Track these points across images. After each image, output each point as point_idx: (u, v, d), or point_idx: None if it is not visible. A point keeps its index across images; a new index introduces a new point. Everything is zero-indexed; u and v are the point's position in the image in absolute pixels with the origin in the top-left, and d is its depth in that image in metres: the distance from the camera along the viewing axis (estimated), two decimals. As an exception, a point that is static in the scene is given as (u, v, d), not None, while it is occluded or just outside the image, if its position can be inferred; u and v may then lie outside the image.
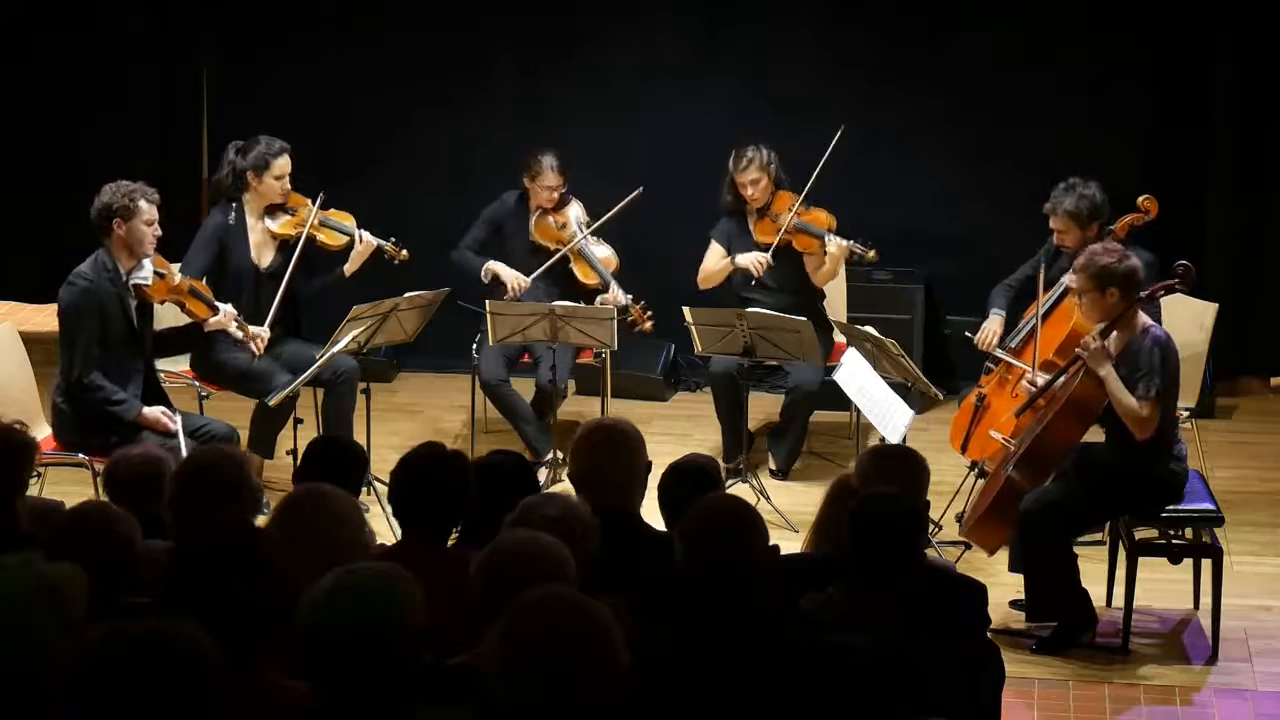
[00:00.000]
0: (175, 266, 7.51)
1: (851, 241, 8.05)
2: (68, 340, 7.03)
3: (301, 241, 7.78)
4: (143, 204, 7.03)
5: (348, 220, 7.96)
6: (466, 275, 8.39)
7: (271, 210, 7.88)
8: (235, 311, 7.47)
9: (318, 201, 7.87)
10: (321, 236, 7.88)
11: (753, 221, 8.33)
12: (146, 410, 7.04)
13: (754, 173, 8.19)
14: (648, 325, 8.22)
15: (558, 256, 8.30)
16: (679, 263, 8.77)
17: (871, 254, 8.06)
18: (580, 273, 8.37)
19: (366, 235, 7.90)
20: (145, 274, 7.13)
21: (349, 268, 7.93)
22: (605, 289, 8.33)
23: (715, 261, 8.38)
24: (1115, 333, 6.43)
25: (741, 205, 8.32)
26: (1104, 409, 6.52)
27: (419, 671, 3.42)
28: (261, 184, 7.81)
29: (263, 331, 7.57)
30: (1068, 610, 6.54)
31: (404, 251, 7.96)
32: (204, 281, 7.56)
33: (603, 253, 8.41)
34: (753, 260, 8.22)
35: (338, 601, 3.38)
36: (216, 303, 7.45)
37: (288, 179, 7.84)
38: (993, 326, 7.75)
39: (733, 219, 8.38)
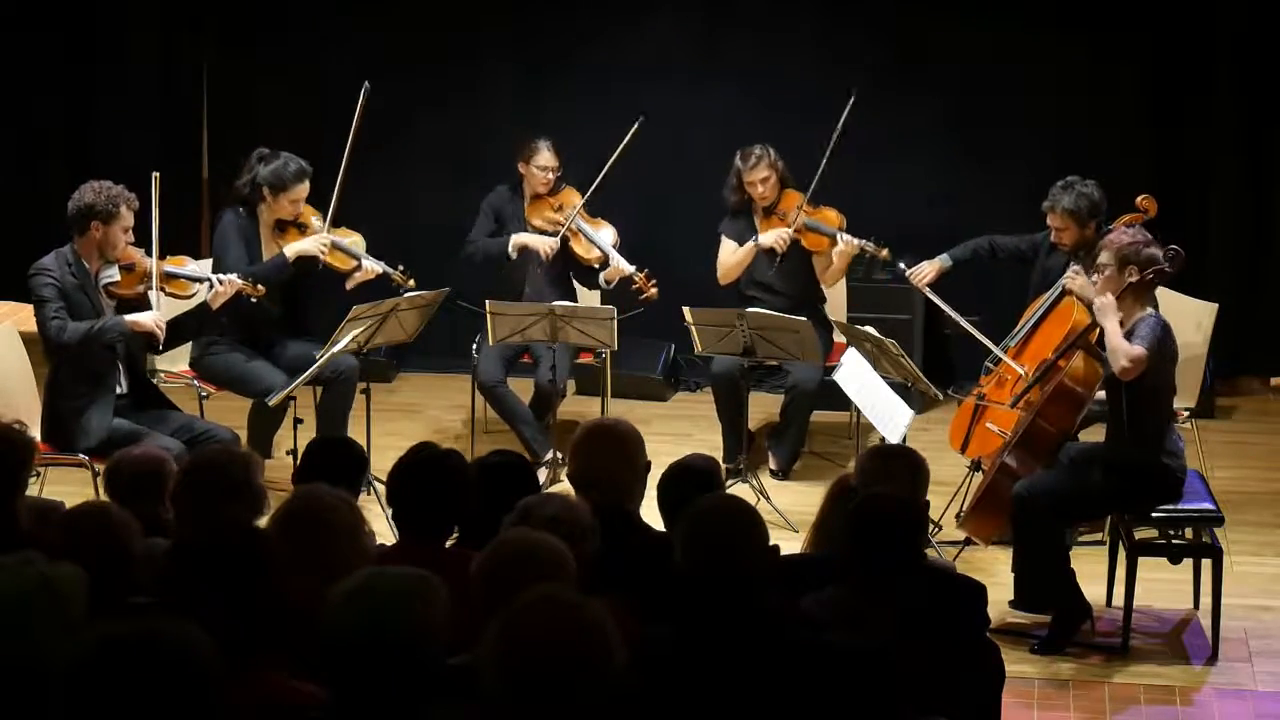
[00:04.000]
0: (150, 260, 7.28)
1: (863, 240, 8.09)
2: (42, 311, 6.97)
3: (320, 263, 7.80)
4: (123, 210, 6.98)
5: (358, 243, 7.93)
6: (490, 260, 8.37)
7: (282, 225, 7.84)
8: (237, 278, 7.38)
9: (327, 221, 7.83)
10: (330, 259, 7.86)
11: (759, 220, 8.34)
12: (129, 318, 6.97)
13: (763, 170, 8.20)
14: (652, 291, 8.18)
15: (558, 237, 8.30)
16: (679, 262, 8.77)
17: (884, 253, 8.11)
18: (579, 249, 8.37)
19: (370, 262, 7.88)
20: (112, 272, 7.10)
21: (348, 285, 7.93)
22: (606, 262, 8.33)
23: (733, 252, 8.38)
24: (1121, 311, 6.46)
25: (746, 204, 8.32)
26: (1099, 397, 6.55)
27: (431, 673, 3.43)
28: (275, 202, 7.76)
29: (231, 277, 7.41)
30: (1060, 600, 6.54)
31: (411, 280, 7.90)
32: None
33: (604, 231, 8.41)
34: (776, 237, 8.22)
35: (365, 604, 3.38)
36: (208, 274, 7.37)
37: (301, 202, 7.79)
38: (928, 267, 7.96)
39: (739, 218, 8.38)
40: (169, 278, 7.23)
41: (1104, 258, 6.55)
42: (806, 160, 8.26)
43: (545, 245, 8.29)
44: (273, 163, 7.75)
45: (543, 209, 8.42)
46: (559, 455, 7.95)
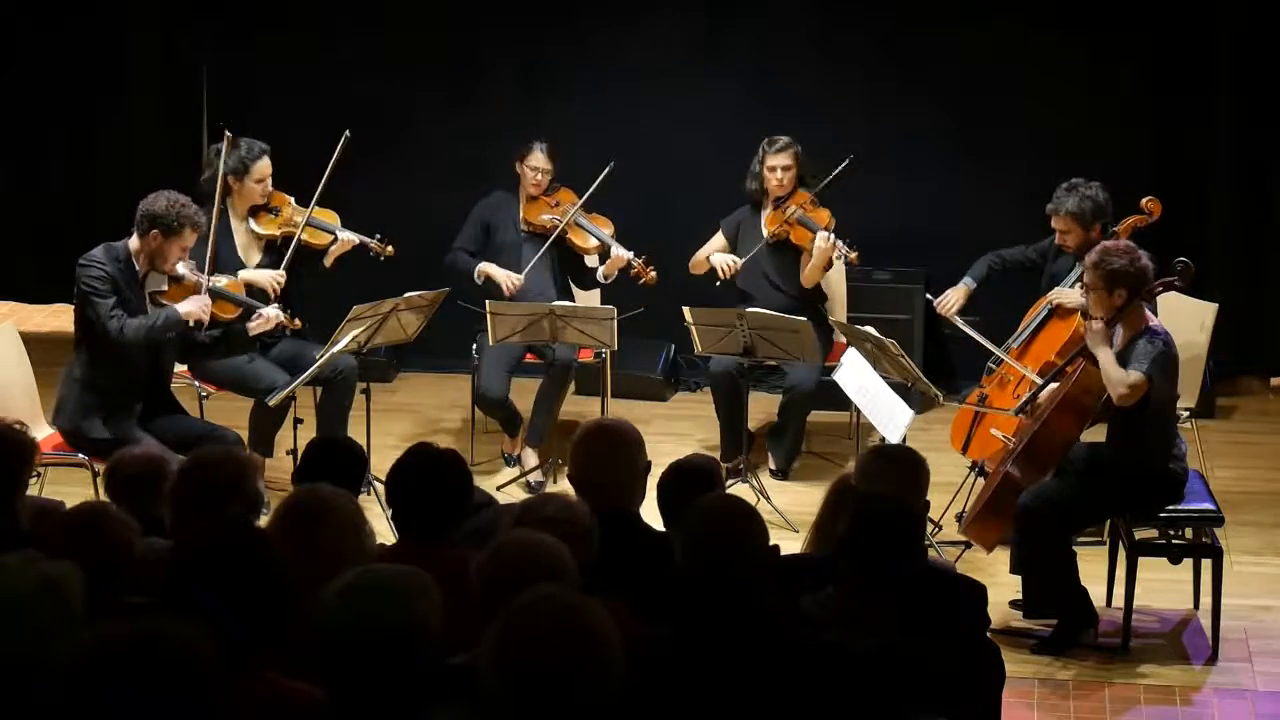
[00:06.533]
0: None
1: (838, 240, 8.08)
2: (95, 307, 6.97)
3: (294, 243, 7.78)
4: (187, 230, 7.01)
5: (332, 219, 7.97)
6: (461, 277, 8.41)
7: (255, 211, 7.87)
8: (277, 313, 7.51)
9: (311, 206, 7.85)
10: (306, 236, 7.88)
11: (766, 212, 8.35)
12: (180, 308, 7.10)
13: (785, 158, 8.24)
14: (651, 275, 8.25)
15: (554, 235, 8.29)
16: (679, 262, 8.77)
17: (853, 255, 8.09)
18: (578, 240, 8.37)
19: (346, 233, 7.91)
20: (160, 282, 7.14)
21: (327, 260, 7.94)
22: (606, 252, 8.33)
23: (706, 251, 8.45)
24: (1120, 326, 6.43)
25: (763, 196, 8.33)
26: (1103, 404, 6.53)
27: (429, 672, 3.42)
28: (243, 187, 7.79)
29: (272, 311, 7.54)
30: (1066, 608, 6.54)
31: (389, 247, 7.96)
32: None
33: (600, 223, 8.42)
34: (722, 262, 8.30)
35: (357, 601, 3.38)
36: (254, 302, 7.48)
37: (269, 181, 7.83)
38: (953, 294, 7.83)
39: (748, 209, 8.40)
40: (216, 296, 7.30)
41: (1089, 278, 6.46)
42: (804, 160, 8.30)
43: (507, 280, 8.29)
44: (231, 153, 7.76)
45: (540, 207, 8.42)
46: (558, 459, 7.95)
